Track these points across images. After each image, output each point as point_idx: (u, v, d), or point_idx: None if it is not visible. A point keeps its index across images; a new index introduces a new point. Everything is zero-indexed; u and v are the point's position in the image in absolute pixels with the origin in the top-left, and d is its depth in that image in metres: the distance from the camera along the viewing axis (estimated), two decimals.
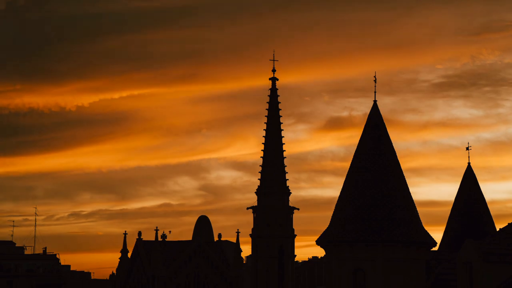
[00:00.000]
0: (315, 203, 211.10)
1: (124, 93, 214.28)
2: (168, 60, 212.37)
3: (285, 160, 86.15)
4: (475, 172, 50.16)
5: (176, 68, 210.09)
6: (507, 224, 39.52)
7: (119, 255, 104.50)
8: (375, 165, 42.39)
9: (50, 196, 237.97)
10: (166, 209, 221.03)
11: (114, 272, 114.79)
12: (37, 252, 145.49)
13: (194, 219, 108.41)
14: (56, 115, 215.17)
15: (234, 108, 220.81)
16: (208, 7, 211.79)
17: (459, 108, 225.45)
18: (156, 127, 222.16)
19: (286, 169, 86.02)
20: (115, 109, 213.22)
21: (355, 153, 43.39)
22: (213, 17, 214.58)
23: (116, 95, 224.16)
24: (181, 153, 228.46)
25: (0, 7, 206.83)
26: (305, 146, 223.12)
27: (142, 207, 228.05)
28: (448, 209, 50.25)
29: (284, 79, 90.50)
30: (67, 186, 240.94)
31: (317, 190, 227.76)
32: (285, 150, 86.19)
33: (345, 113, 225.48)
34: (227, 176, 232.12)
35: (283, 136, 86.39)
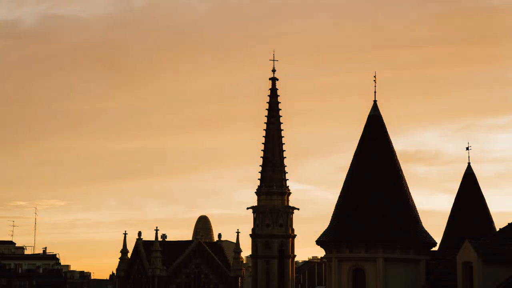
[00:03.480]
0: (315, 203, 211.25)
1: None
2: None
3: (285, 160, 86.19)
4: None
5: None
6: (507, 224, 39.56)
7: (119, 255, 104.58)
8: (375, 165, 42.39)
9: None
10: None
11: (114, 272, 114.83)
12: (36, 252, 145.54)
13: None
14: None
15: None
16: None
17: None
18: None
19: (286, 169, 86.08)
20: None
21: (355, 153, 43.37)
22: None
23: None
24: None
25: None
26: (305, 146, 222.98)
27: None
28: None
29: (284, 79, 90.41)
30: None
31: (317, 190, 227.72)
32: (285, 150, 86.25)
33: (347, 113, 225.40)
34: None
35: (283, 136, 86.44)
